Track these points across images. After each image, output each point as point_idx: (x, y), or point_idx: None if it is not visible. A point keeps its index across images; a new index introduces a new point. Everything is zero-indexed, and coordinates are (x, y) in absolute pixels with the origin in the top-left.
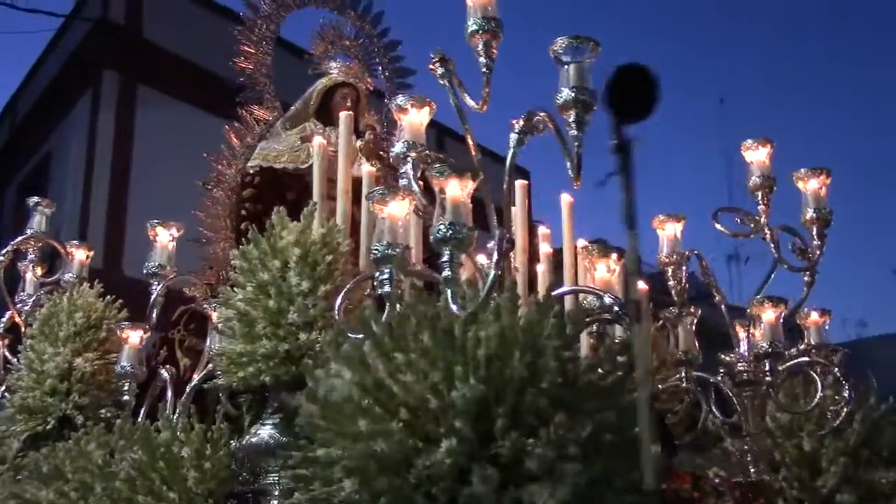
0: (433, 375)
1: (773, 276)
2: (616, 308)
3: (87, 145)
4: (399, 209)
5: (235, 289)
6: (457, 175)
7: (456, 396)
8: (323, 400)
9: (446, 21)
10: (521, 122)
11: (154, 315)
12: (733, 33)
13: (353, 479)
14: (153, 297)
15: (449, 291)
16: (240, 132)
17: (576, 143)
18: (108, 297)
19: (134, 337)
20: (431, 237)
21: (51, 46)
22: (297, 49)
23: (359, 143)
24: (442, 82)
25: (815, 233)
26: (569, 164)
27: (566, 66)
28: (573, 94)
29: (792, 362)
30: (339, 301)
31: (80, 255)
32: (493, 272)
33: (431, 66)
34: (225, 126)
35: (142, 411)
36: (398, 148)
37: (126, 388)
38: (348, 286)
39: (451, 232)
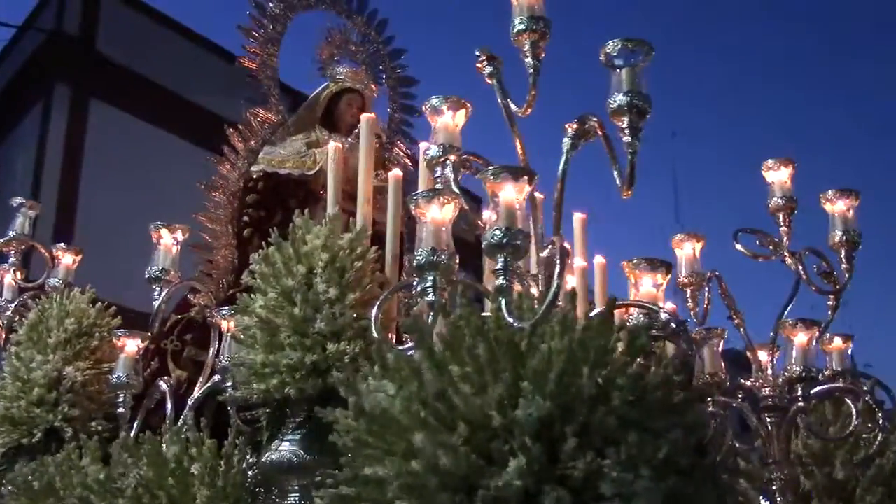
0: (495, 390)
1: (793, 300)
2: (672, 324)
3: (36, 159)
4: (442, 213)
5: (254, 295)
6: (513, 178)
7: (522, 413)
8: (370, 414)
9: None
10: (575, 126)
11: (157, 323)
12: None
13: (411, 499)
14: (157, 303)
15: (503, 301)
16: (244, 134)
17: (630, 151)
18: (102, 303)
19: (130, 346)
20: (484, 243)
21: (2, 57)
22: (225, 53)
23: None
24: (490, 82)
25: (842, 256)
26: (616, 172)
27: (618, 70)
28: (627, 100)
29: (822, 387)
30: (375, 310)
31: (66, 259)
32: (555, 283)
33: (479, 65)
34: (228, 127)
35: (135, 425)
36: (433, 151)
37: (121, 399)
38: (386, 293)
39: (506, 238)
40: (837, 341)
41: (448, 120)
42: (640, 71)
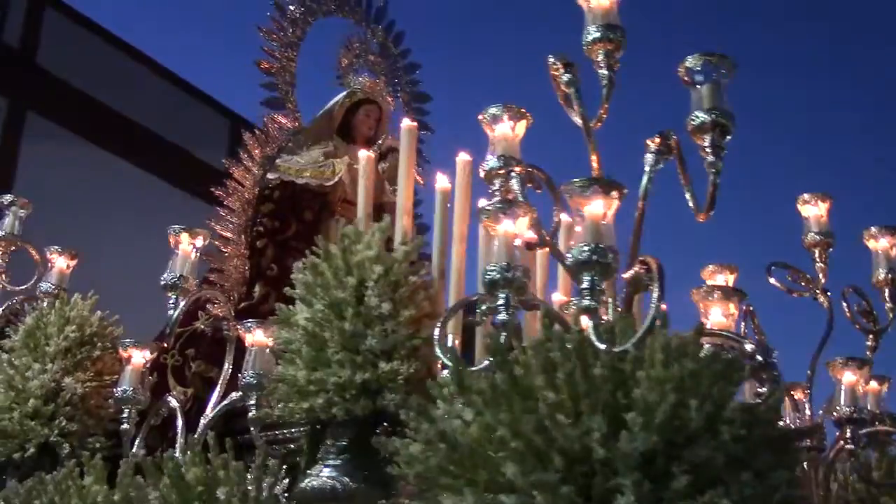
0: (594, 420)
1: (828, 337)
2: (759, 357)
3: None
4: (515, 227)
5: (296, 307)
6: (602, 192)
7: (626, 447)
8: (448, 442)
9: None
10: (657, 142)
11: (172, 335)
12: None
13: None
14: (175, 312)
15: (591, 324)
16: (259, 139)
17: (712, 172)
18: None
19: (137, 357)
20: (569, 261)
21: None
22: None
23: (382, 165)
24: (567, 90)
25: (886, 295)
26: (689, 194)
27: (699, 87)
28: (711, 118)
29: (868, 429)
30: (440, 328)
31: (60, 262)
32: (654, 307)
33: (555, 72)
34: (245, 132)
35: (135, 442)
36: (491, 163)
37: (125, 415)
38: (452, 309)
39: (594, 256)
40: (874, 384)
41: (507, 130)
42: (722, 86)
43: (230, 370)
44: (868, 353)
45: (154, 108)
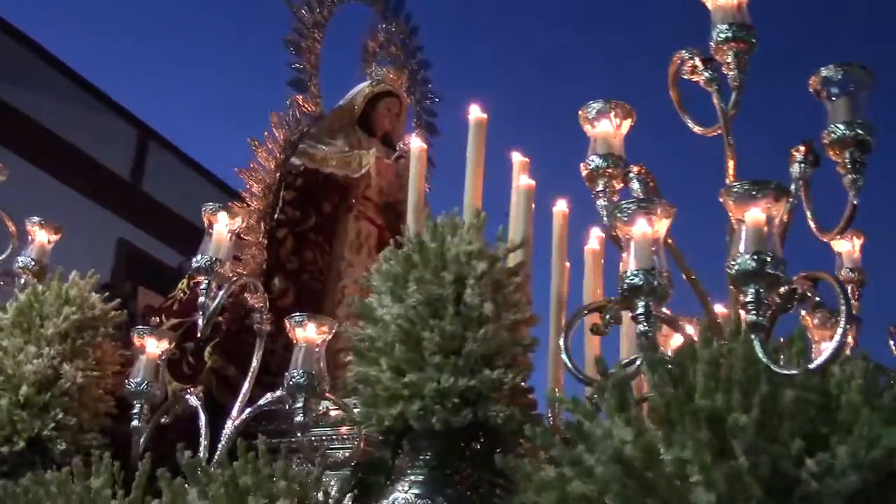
0: (795, 446)
1: None
2: None
3: None
4: (652, 228)
5: (379, 301)
6: (767, 197)
7: (837, 483)
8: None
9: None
10: (802, 152)
11: (208, 324)
12: None
13: None
14: (216, 300)
15: (757, 341)
16: (284, 121)
17: (853, 190)
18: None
19: (153, 347)
20: (733, 271)
21: None
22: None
23: (403, 161)
24: (709, 89)
25: None
26: (809, 213)
27: (835, 99)
28: (850, 132)
29: None
30: (564, 335)
31: (41, 235)
32: (842, 328)
33: (694, 70)
34: (271, 113)
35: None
36: (596, 162)
37: (136, 410)
38: (576, 315)
39: (760, 266)
40: None
41: (609, 128)
42: (861, 99)
43: (258, 367)
44: None
45: (59, 111)
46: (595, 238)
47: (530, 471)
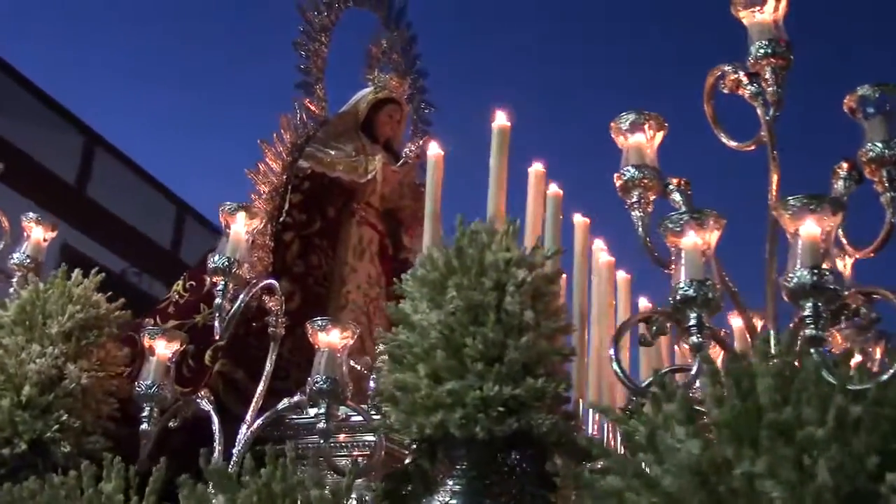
0: (872, 461)
1: None
2: None
3: None
4: (703, 239)
5: (414, 305)
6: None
7: None
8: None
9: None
10: (845, 168)
11: (228, 325)
12: None
13: None
14: (237, 302)
15: (815, 354)
16: (292, 124)
17: (889, 209)
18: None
19: (163, 349)
20: (790, 285)
21: None
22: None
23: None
24: (754, 103)
25: None
26: (840, 231)
27: (871, 119)
28: (888, 150)
29: None
30: (614, 343)
31: (38, 232)
32: None
33: (738, 84)
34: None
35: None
36: (630, 173)
37: (145, 413)
38: (625, 324)
39: (820, 280)
40: None
41: (642, 139)
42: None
43: (269, 372)
44: None
45: (5, 116)
46: (600, 250)
47: (592, 479)
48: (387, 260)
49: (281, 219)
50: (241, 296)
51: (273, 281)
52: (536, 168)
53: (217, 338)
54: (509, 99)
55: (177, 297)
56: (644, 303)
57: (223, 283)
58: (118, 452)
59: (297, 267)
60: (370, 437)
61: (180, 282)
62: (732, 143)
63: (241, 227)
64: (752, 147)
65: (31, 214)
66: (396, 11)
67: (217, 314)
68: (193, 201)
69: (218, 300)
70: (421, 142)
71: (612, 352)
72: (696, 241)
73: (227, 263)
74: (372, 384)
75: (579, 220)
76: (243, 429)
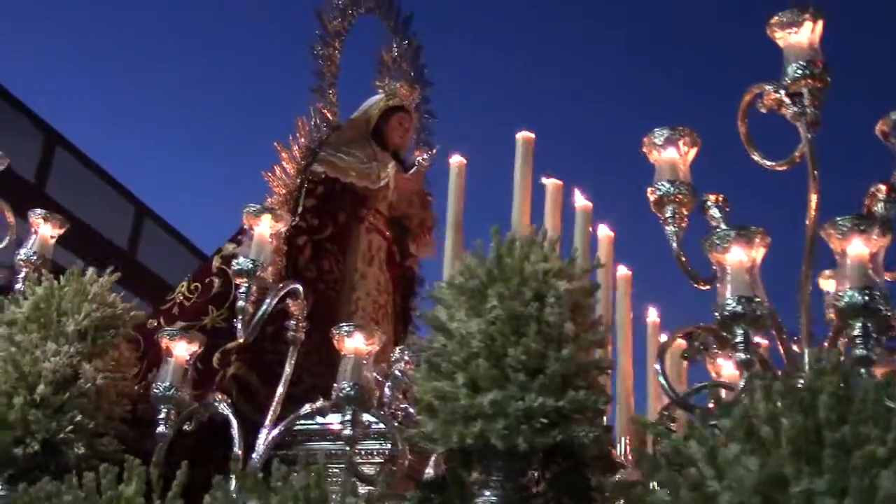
0: None
1: None
2: None
3: None
4: (748, 256)
5: (450, 313)
6: (871, 232)
7: None
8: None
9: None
10: (884, 191)
11: (254, 328)
12: None
13: None
14: (263, 306)
15: (864, 370)
16: (307, 128)
17: None
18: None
19: (181, 350)
20: (841, 304)
21: None
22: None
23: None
24: (796, 123)
25: None
26: None
27: None
28: None
29: None
30: (660, 358)
31: (45, 229)
32: None
33: (780, 104)
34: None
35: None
36: (663, 188)
37: (162, 416)
38: (670, 339)
39: (871, 301)
40: None
41: (675, 155)
42: None
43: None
44: None
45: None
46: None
47: (640, 494)
48: (394, 267)
49: (294, 223)
50: (268, 299)
51: (297, 285)
52: (553, 181)
53: (240, 340)
54: (530, 111)
55: (181, 298)
56: (653, 314)
57: (246, 285)
58: (127, 454)
59: (310, 272)
60: (373, 444)
61: (184, 283)
62: (767, 163)
63: (265, 230)
64: (785, 167)
65: (38, 211)
66: (403, 20)
67: (241, 317)
68: (152, 203)
69: (241, 303)
70: (434, 150)
71: (657, 366)
72: (742, 257)
73: (251, 266)
74: (387, 391)
75: (604, 233)
76: (263, 433)
